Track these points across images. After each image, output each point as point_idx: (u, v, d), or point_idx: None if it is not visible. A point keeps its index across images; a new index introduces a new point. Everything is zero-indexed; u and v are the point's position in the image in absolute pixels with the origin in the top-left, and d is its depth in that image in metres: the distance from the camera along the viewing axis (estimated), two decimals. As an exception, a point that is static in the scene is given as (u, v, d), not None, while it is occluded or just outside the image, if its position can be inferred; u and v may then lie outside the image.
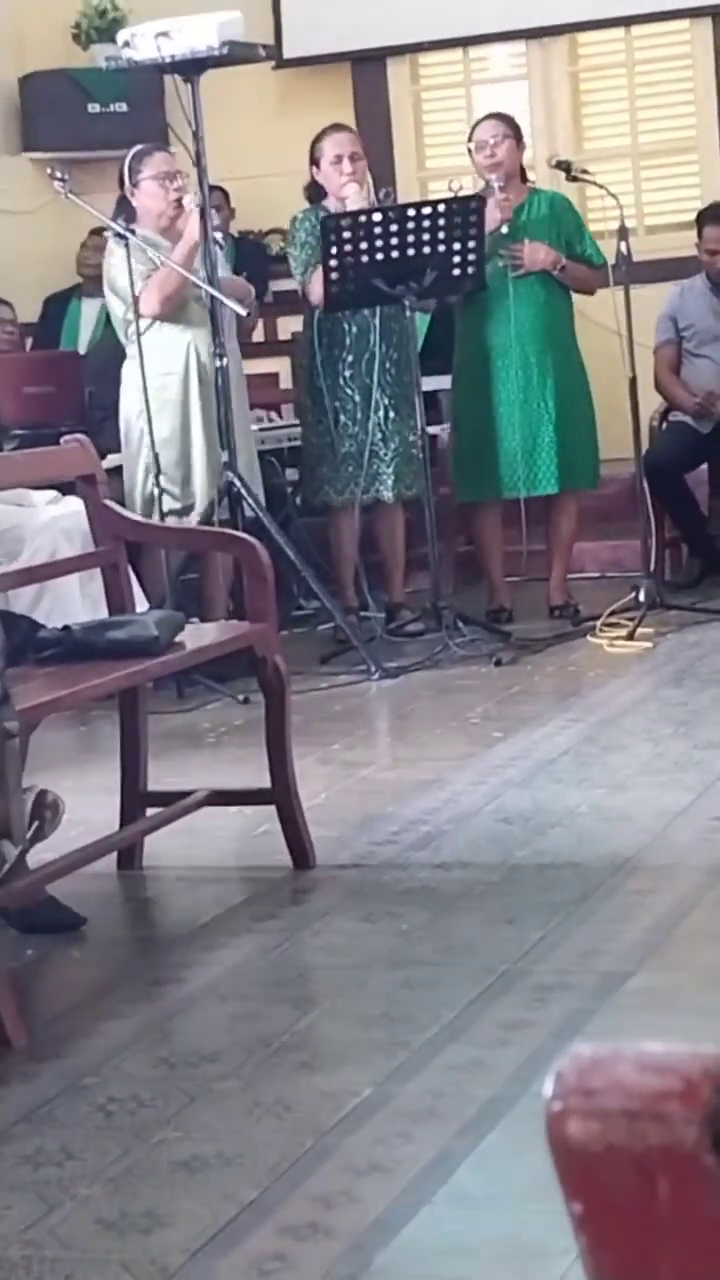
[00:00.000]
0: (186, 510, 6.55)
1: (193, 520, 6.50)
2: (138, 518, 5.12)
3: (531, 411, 7.14)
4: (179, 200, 6.62)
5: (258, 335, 8.80)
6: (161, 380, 6.61)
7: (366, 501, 7.10)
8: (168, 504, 6.56)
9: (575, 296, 7.33)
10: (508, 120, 7.31)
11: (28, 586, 5.85)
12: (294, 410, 7.33)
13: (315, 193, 7.15)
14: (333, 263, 6.71)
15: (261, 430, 7.61)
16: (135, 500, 6.57)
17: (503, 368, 7.14)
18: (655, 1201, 0.83)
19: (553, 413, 7.14)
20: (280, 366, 8.95)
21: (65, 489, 6.27)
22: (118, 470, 6.79)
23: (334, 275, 6.73)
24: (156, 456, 6.46)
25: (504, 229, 7.04)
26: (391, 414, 7.06)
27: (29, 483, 6.15)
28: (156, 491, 6.47)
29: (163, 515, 6.49)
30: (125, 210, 6.72)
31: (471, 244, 6.80)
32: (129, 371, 6.69)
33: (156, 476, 6.45)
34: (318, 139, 7.13)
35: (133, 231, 6.53)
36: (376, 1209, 2.57)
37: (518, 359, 7.11)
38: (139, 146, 6.85)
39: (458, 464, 7.26)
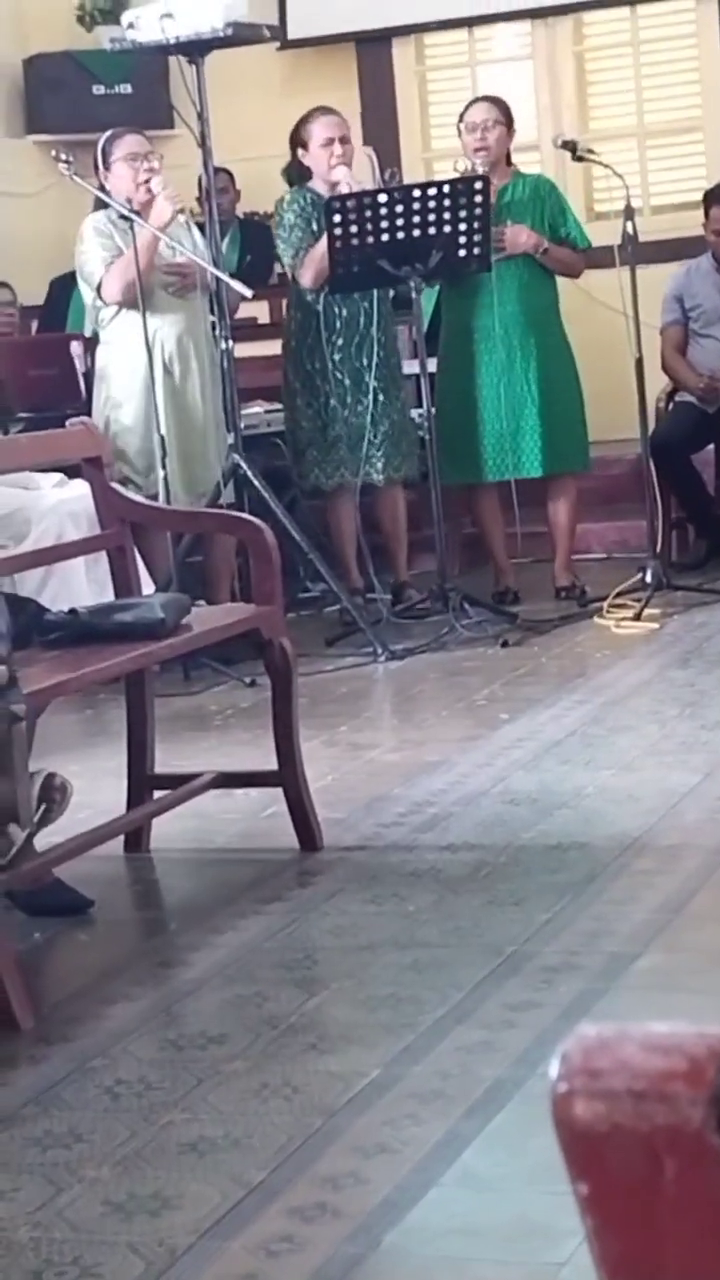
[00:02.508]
0: (152, 498, 6.48)
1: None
2: (144, 500, 5.11)
3: (515, 395, 7.12)
4: (148, 182, 6.56)
5: (263, 317, 8.78)
6: (128, 368, 6.56)
7: (355, 485, 7.08)
8: (132, 493, 6.47)
9: (577, 280, 7.32)
10: (500, 105, 7.29)
11: (34, 569, 5.85)
12: (282, 395, 7.27)
13: (297, 174, 7.12)
14: (337, 244, 6.70)
15: (266, 413, 7.59)
16: None
17: (486, 351, 7.13)
18: (661, 1182, 0.83)
19: (536, 396, 7.12)
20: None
21: (71, 472, 6.27)
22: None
23: (338, 257, 6.72)
24: (116, 448, 6.42)
25: None
26: (381, 396, 7.04)
27: (34, 466, 6.15)
28: (119, 480, 6.46)
29: None
30: (107, 195, 6.67)
31: (477, 225, 6.78)
32: (99, 359, 6.68)
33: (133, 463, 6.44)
34: (304, 121, 7.09)
35: (136, 213, 6.51)
36: (384, 1190, 2.58)
37: (501, 342, 7.10)
38: (112, 130, 6.79)
39: (443, 447, 7.26)
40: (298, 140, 7.07)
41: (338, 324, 7.03)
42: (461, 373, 7.18)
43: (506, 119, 7.23)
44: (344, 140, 7.04)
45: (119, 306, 6.55)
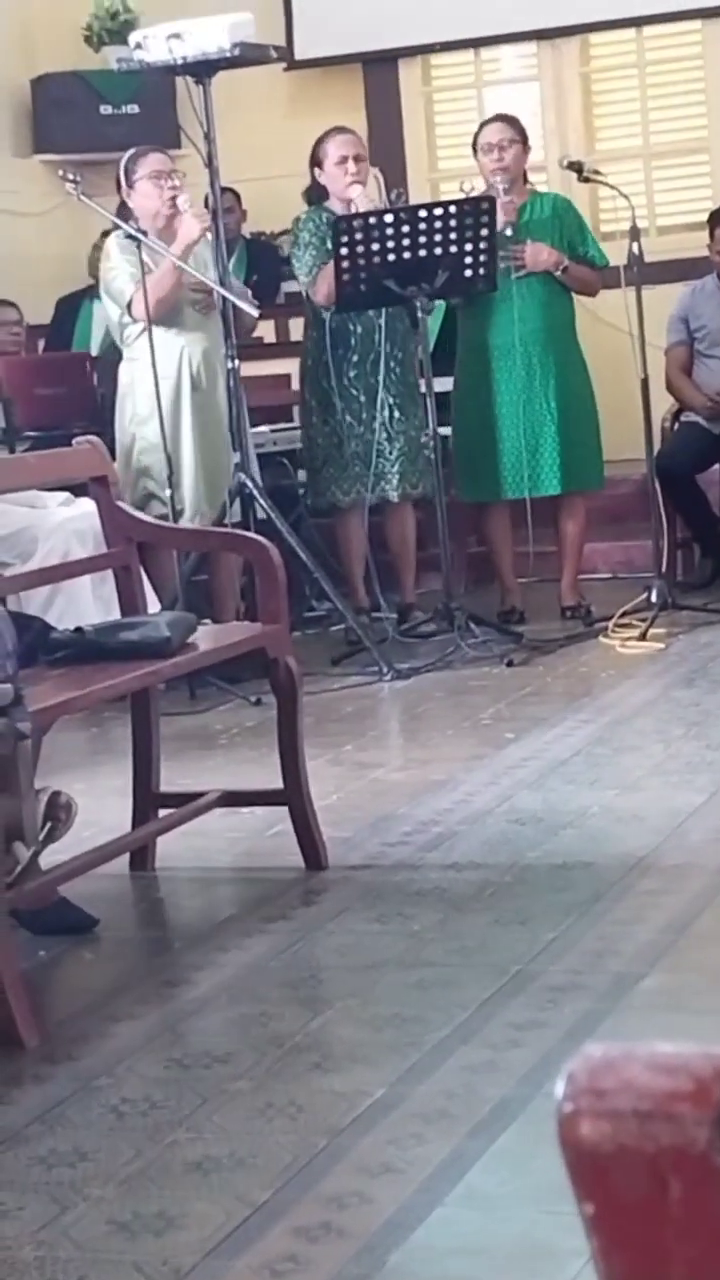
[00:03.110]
0: (176, 516, 6.51)
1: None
2: (150, 519, 5.12)
3: (533, 412, 7.14)
4: (174, 199, 6.59)
5: (269, 337, 8.80)
6: (153, 385, 6.59)
7: (372, 501, 7.11)
8: (156, 509, 6.52)
9: (583, 299, 7.33)
10: (515, 123, 7.31)
11: (40, 588, 5.86)
12: (299, 412, 7.30)
13: (316, 194, 7.16)
14: (344, 263, 6.71)
15: (273, 431, 7.61)
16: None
17: (504, 369, 7.14)
18: (667, 1202, 0.83)
19: (555, 414, 7.14)
20: (291, 368, 8.92)
21: (77, 490, 6.28)
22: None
23: (345, 276, 6.73)
24: (132, 466, 6.45)
25: (508, 230, 7.04)
26: (396, 413, 7.06)
27: (41, 484, 6.16)
28: (144, 496, 6.49)
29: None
30: (125, 214, 6.71)
31: (483, 244, 6.80)
32: (123, 376, 6.70)
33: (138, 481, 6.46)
34: (321, 140, 7.14)
35: (144, 233, 6.53)
36: (389, 1210, 2.57)
37: (520, 360, 7.12)
38: (135, 148, 6.84)
39: (460, 465, 7.27)
40: (315, 160, 7.11)
41: (352, 340, 7.06)
42: (480, 390, 7.19)
43: (522, 137, 7.25)
44: (359, 159, 7.08)
45: (147, 323, 6.58)
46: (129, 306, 6.59)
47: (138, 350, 6.66)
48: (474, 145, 7.28)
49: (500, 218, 7.00)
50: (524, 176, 7.31)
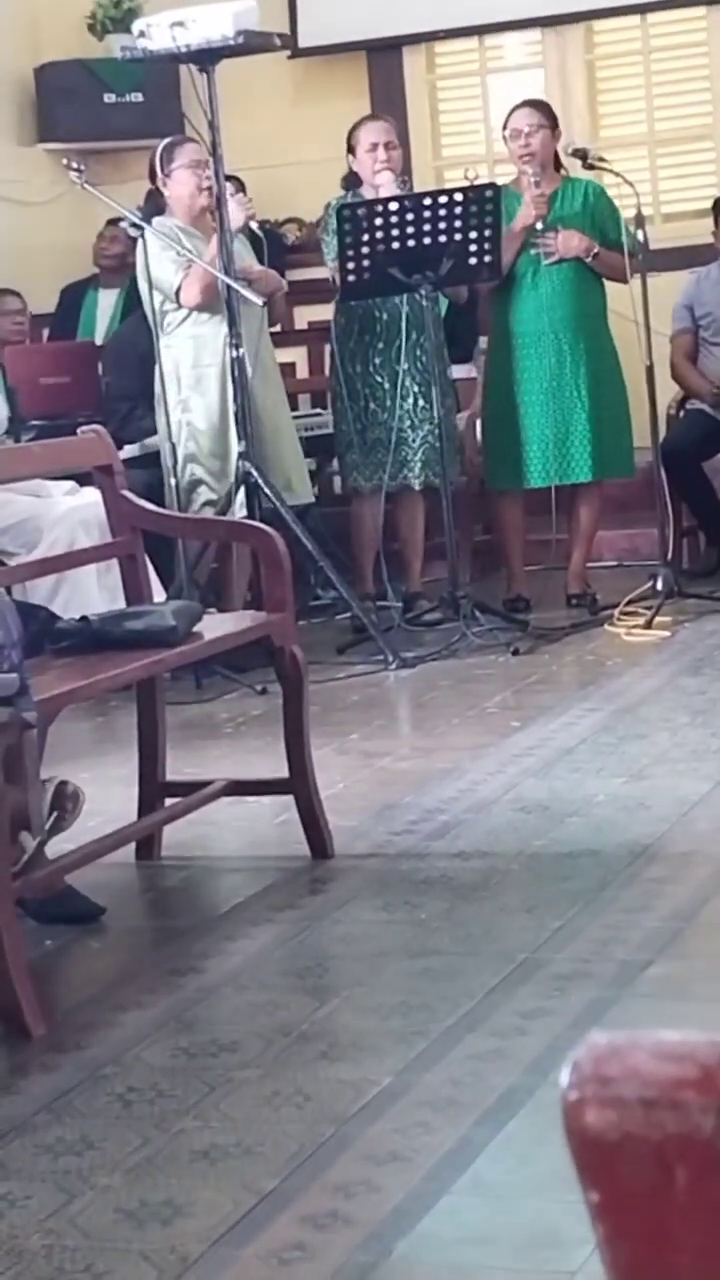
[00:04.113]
0: (225, 501, 6.54)
1: (239, 512, 6.47)
2: (154, 508, 5.12)
3: (564, 400, 7.13)
4: (210, 189, 6.63)
5: (275, 326, 8.80)
6: (199, 372, 6.65)
7: (393, 489, 7.12)
8: (205, 495, 6.60)
9: (625, 284, 7.33)
10: (543, 108, 7.31)
11: (46, 577, 5.86)
12: (327, 398, 7.37)
13: (352, 181, 7.20)
14: (348, 252, 6.72)
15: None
16: (173, 490, 6.58)
17: (535, 355, 7.14)
18: (673, 1190, 0.83)
19: (585, 401, 7.13)
20: (297, 356, 8.94)
21: (82, 479, 6.28)
22: (139, 460, 6.81)
23: (349, 264, 6.74)
24: (183, 448, 6.49)
25: (538, 224, 7.04)
26: (420, 401, 7.08)
27: (46, 473, 6.16)
28: (194, 482, 6.55)
29: (200, 507, 6.56)
30: (155, 202, 6.75)
31: (488, 232, 6.79)
32: (166, 363, 6.71)
33: (184, 467, 6.50)
34: (355, 128, 7.21)
35: (148, 221, 6.54)
36: (396, 1198, 2.58)
37: (551, 346, 7.12)
38: (170, 138, 6.90)
39: (489, 452, 7.26)
40: (349, 147, 7.17)
41: (378, 328, 7.10)
42: (509, 377, 7.19)
43: (551, 122, 7.24)
44: (389, 145, 7.12)
45: (192, 311, 6.62)
46: (177, 294, 6.64)
47: (178, 338, 6.69)
48: (503, 131, 7.28)
49: (531, 213, 7.01)
50: (556, 161, 7.29)
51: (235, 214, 6.60)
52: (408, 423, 7.08)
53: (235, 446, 6.63)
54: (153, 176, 6.82)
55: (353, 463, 7.17)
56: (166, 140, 6.87)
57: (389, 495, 7.15)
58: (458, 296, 7.40)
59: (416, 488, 7.18)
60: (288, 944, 3.72)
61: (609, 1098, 0.84)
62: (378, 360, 7.10)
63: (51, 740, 4.10)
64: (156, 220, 6.74)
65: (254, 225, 6.83)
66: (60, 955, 3.83)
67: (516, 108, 7.34)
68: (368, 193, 7.09)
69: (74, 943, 3.87)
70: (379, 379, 7.10)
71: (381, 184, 7.03)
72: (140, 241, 6.71)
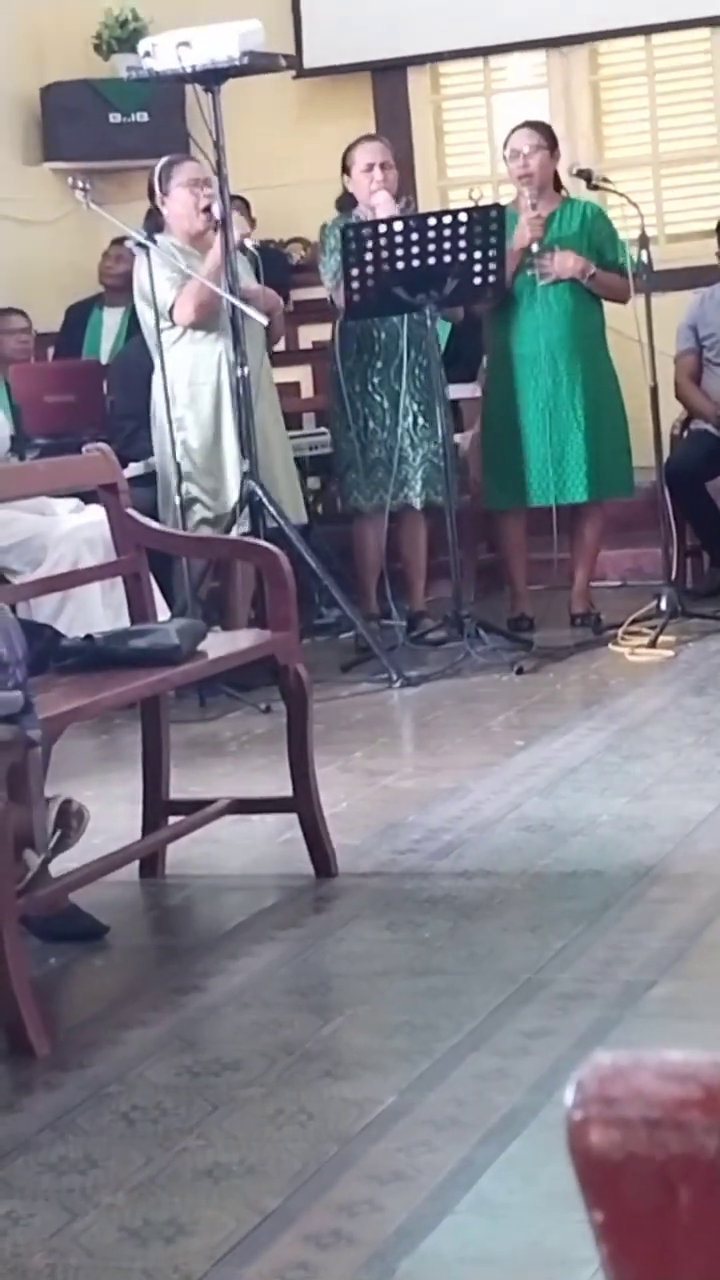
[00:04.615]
0: (219, 520, 6.55)
1: (235, 530, 6.47)
2: (159, 526, 5.12)
3: (561, 420, 7.14)
4: (208, 208, 6.64)
5: (278, 345, 8.81)
6: (194, 390, 6.64)
7: (395, 508, 7.12)
8: (200, 513, 6.60)
9: (624, 305, 7.35)
10: (543, 129, 7.32)
11: (50, 595, 5.87)
12: (326, 417, 7.37)
13: (347, 202, 7.19)
14: (353, 271, 6.73)
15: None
16: (168, 509, 6.59)
17: (532, 375, 7.15)
18: (676, 1210, 0.83)
19: (582, 421, 7.14)
20: (301, 375, 8.95)
21: (87, 498, 6.28)
22: (144, 479, 6.82)
23: (354, 284, 6.75)
24: (179, 466, 6.50)
25: (534, 247, 7.05)
26: (420, 420, 7.09)
27: (51, 492, 6.17)
28: (188, 500, 6.54)
29: (196, 525, 6.55)
30: (155, 220, 6.75)
31: (493, 252, 6.80)
32: (158, 381, 6.71)
33: (180, 485, 6.49)
34: (350, 148, 7.18)
35: (154, 240, 6.55)
36: (399, 1217, 2.57)
37: (547, 367, 7.12)
38: (169, 156, 6.89)
39: (487, 471, 7.27)
40: (344, 167, 7.16)
41: (376, 347, 7.10)
42: (507, 397, 7.20)
43: (550, 143, 7.25)
44: (385, 166, 7.11)
45: (187, 328, 6.62)
46: (170, 311, 6.64)
47: (174, 356, 6.69)
48: (504, 151, 7.29)
49: (528, 234, 7.02)
50: (555, 182, 7.30)
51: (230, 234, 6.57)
52: (407, 441, 7.08)
53: (230, 465, 6.64)
54: (151, 195, 6.82)
55: (353, 482, 7.17)
56: (165, 159, 6.86)
57: (391, 514, 7.16)
58: (454, 316, 7.41)
59: (418, 506, 7.18)
60: (291, 962, 3.72)
61: (613, 1118, 0.84)
62: (376, 380, 7.10)
63: (56, 758, 4.10)
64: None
65: (249, 244, 6.80)
66: (64, 973, 3.83)
67: (516, 129, 7.36)
68: (364, 213, 7.07)
69: (78, 961, 3.87)
70: (378, 398, 7.11)
71: (378, 204, 7.01)
72: (136, 259, 6.72)
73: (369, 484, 7.14)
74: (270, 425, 6.88)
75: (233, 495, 6.63)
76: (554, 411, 7.13)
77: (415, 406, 7.08)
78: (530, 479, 7.19)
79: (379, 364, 7.11)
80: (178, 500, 6.58)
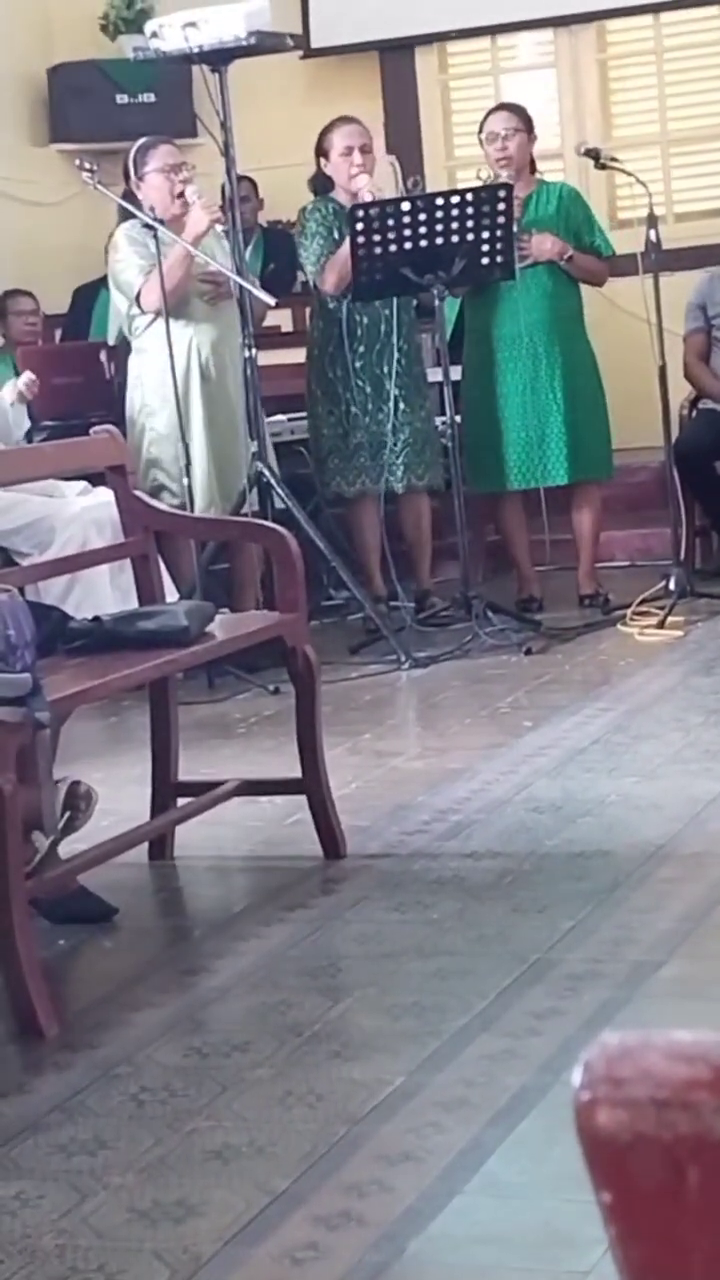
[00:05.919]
0: (184, 506, 6.49)
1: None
2: (168, 508, 5.12)
3: (540, 403, 7.13)
4: (182, 193, 6.58)
5: (286, 325, 8.79)
6: (162, 376, 6.57)
7: (376, 492, 7.09)
8: (168, 500, 6.51)
9: (601, 287, 7.33)
10: (519, 112, 7.30)
11: (58, 578, 5.87)
12: (305, 402, 7.30)
13: (321, 184, 7.14)
14: (360, 252, 6.71)
15: (290, 420, 7.61)
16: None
17: (510, 359, 7.14)
18: (685, 1191, 0.83)
19: (561, 404, 7.13)
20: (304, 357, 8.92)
21: (95, 480, 6.28)
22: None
23: (361, 265, 6.73)
24: (147, 453, 6.47)
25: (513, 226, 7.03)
26: (402, 405, 7.06)
27: (59, 474, 6.17)
28: (154, 487, 6.49)
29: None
30: (132, 204, 6.67)
31: (500, 232, 6.79)
32: (131, 368, 6.69)
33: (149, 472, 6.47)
34: (326, 131, 7.13)
35: (161, 222, 6.52)
36: (408, 1198, 2.58)
37: (525, 350, 7.11)
38: (144, 139, 6.81)
39: (468, 455, 7.26)
40: (321, 150, 7.10)
41: (359, 331, 7.05)
42: (486, 381, 7.19)
43: (526, 125, 7.23)
44: (364, 149, 7.05)
45: (156, 315, 6.56)
46: (138, 298, 6.59)
47: (146, 342, 6.66)
48: (479, 135, 7.27)
49: None
50: (531, 166, 7.29)
51: (199, 219, 6.52)
52: (389, 425, 7.05)
53: (198, 452, 6.55)
54: (126, 178, 6.76)
55: (335, 467, 7.13)
56: (140, 142, 6.77)
57: (393, 496, 7.14)
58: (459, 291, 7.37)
59: (399, 491, 7.15)
60: (300, 944, 3.72)
61: (621, 1098, 0.84)
62: (359, 364, 7.06)
63: (64, 740, 4.11)
64: (128, 223, 6.69)
65: (219, 228, 6.70)
66: (73, 955, 3.83)
67: (492, 111, 7.35)
68: (342, 197, 7.02)
69: (86, 942, 3.88)
70: (360, 383, 7.06)
71: (359, 188, 6.96)
72: (111, 245, 6.67)
73: (351, 469, 7.10)
74: (243, 406, 6.77)
75: (199, 482, 6.56)
76: (534, 394, 7.12)
77: (398, 391, 7.05)
78: (511, 462, 7.18)
79: (361, 348, 7.06)
80: (148, 488, 6.52)
